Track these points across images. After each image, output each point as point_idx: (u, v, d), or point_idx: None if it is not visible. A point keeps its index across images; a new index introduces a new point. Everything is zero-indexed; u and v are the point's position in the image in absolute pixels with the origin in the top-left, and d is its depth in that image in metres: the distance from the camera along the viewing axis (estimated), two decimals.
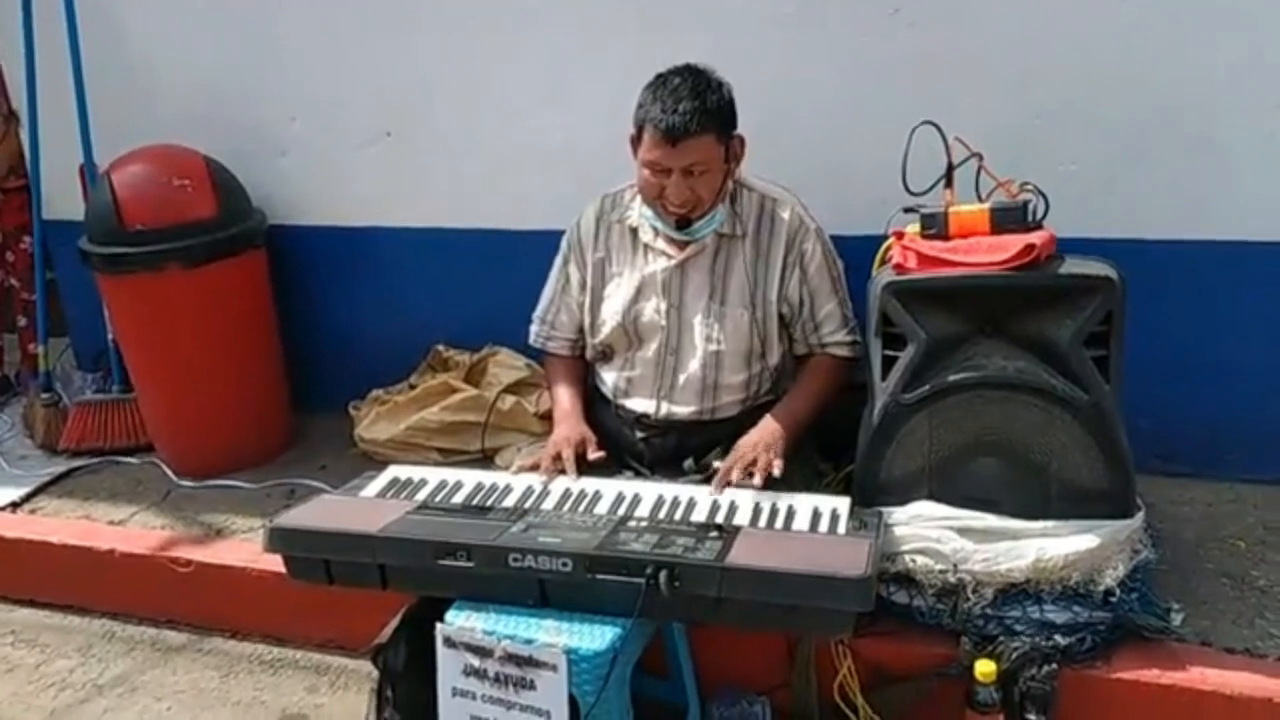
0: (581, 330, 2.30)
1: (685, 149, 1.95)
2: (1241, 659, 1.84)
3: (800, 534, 1.79)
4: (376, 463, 2.77)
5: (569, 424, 2.19)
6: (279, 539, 1.86)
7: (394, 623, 1.93)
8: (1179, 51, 2.21)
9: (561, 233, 2.46)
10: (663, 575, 1.63)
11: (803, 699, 1.95)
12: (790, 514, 1.86)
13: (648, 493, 1.96)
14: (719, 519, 1.85)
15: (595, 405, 2.31)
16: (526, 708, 1.69)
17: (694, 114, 1.93)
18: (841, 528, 1.81)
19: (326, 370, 3.05)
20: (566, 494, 1.98)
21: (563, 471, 2.06)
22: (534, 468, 2.09)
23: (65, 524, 2.62)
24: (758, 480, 1.94)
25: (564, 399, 2.26)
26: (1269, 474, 2.36)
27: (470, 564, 1.74)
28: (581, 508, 1.92)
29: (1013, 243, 1.79)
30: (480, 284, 2.87)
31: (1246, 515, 2.27)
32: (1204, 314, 2.33)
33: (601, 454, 2.12)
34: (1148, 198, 2.29)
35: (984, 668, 1.77)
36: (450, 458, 2.71)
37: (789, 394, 2.16)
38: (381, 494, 2.04)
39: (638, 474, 2.21)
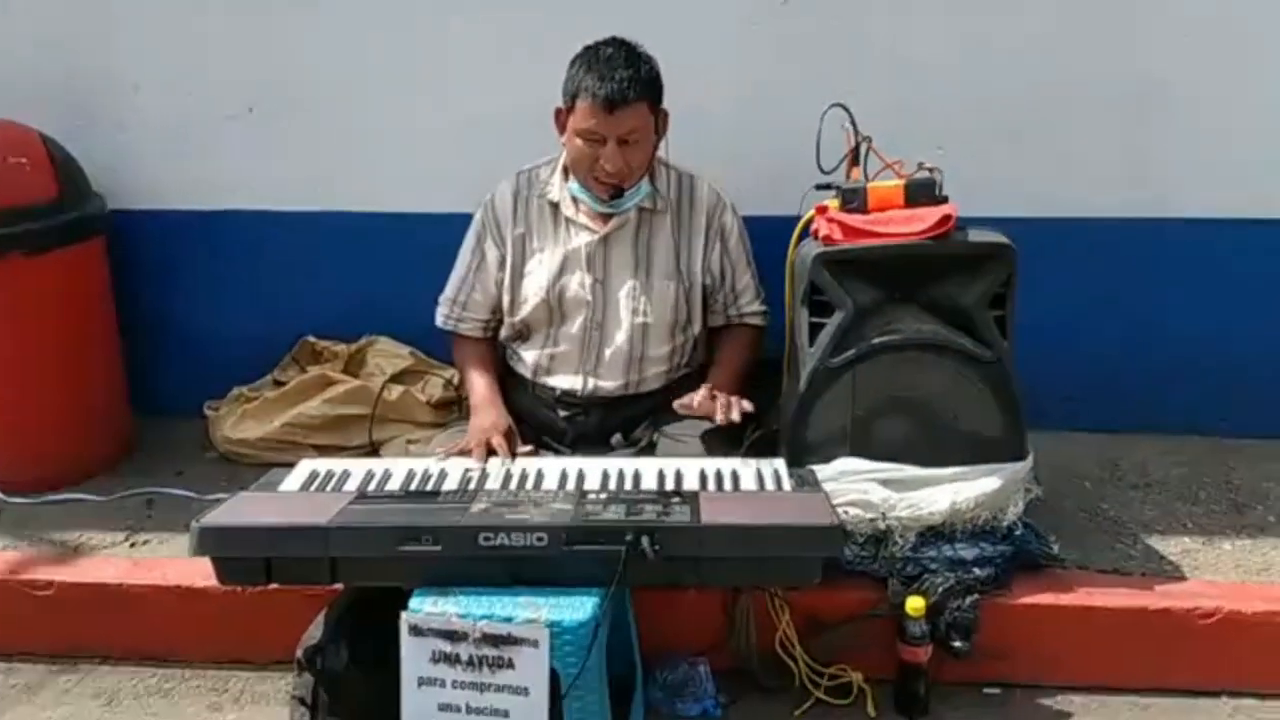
0: (495, 310, 2.27)
1: (622, 117, 1.98)
2: (1114, 578, 2.11)
3: (754, 493, 1.86)
4: (240, 465, 2.61)
5: (493, 412, 2.15)
6: (210, 540, 1.71)
7: (320, 623, 1.84)
8: (1057, 38, 2.44)
9: (437, 215, 2.40)
10: (644, 540, 1.65)
11: (743, 655, 2.03)
12: (735, 477, 1.93)
13: (590, 468, 1.96)
14: (667, 486, 1.89)
15: (509, 386, 2.28)
16: (503, 687, 1.66)
17: (630, 82, 1.96)
18: (786, 485, 1.90)
19: (170, 369, 2.81)
20: (509, 475, 1.94)
21: (493, 454, 2.02)
22: (461, 454, 2.03)
23: None
24: (735, 415, 1.98)
25: (481, 385, 2.22)
26: (1097, 423, 2.69)
27: (437, 548, 1.68)
28: (529, 485, 1.90)
29: (928, 214, 1.96)
30: (351, 270, 2.74)
31: (1086, 459, 2.59)
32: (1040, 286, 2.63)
33: (529, 448, 2.10)
34: (1007, 179, 2.52)
35: (915, 604, 1.93)
36: (329, 454, 2.56)
37: (718, 362, 2.22)
38: (304, 487, 1.91)
39: (558, 454, 2.20)
